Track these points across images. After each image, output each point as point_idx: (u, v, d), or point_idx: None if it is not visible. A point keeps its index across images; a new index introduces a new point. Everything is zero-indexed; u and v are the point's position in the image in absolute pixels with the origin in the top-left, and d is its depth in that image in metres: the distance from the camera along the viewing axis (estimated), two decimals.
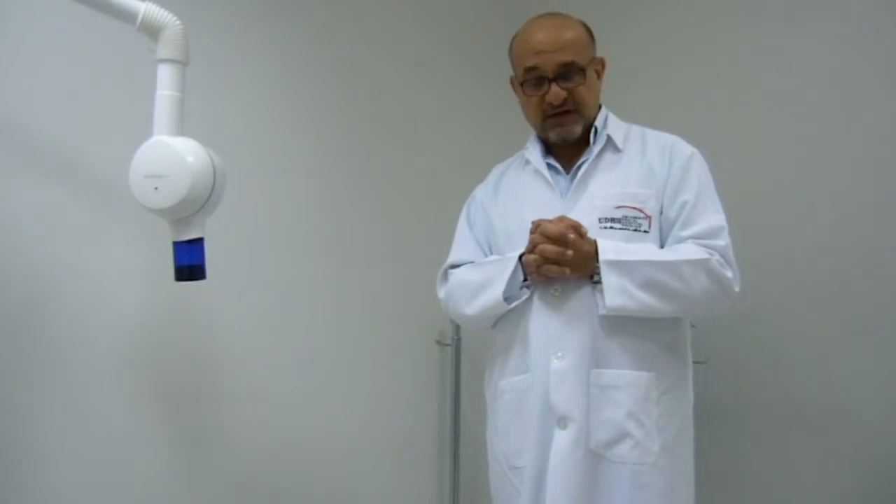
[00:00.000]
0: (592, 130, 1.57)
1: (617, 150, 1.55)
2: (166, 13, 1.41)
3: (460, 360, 2.30)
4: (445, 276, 1.67)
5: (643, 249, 1.43)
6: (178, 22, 1.42)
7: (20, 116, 1.59)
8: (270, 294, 1.97)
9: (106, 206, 1.69)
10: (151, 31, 1.41)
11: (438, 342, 2.31)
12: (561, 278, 1.43)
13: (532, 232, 1.44)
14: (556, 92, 1.49)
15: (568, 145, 1.56)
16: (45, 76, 1.62)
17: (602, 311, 1.42)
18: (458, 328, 2.30)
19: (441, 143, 2.38)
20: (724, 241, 1.46)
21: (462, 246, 1.66)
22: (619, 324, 1.42)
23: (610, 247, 1.41)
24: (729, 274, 1.44)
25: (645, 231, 1.46)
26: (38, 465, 1.57)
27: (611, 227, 1.46)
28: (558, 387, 1.41)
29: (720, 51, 2.09)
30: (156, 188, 1.37)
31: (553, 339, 1.44)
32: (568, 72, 1.49)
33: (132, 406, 1.71)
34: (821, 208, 1.89)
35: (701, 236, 1.45)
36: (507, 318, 1.52)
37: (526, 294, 1.48)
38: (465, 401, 2.30)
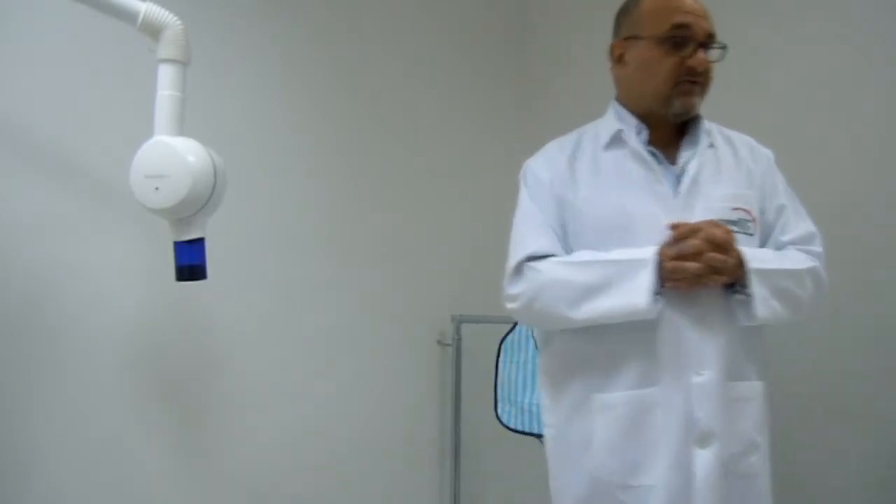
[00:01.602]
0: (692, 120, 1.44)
1: (712, 145, 1.44)
2: (167, 13, 1.41)
3: (461, 360, 2.30)
4: (520, 270, 1.40)
5: (769, 256, 1.38)
6: (178, 22, 1.42)
7: (20, 116, 1.59)
8: (271, 294, 1.97)
9: (106, 206, 1.68)
10: (152, 31, 1.41)
11: (439, 342, 2.31)
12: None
13: (681, 235, 1.29)
14: (702, 58, 1.37)
15: (663, 130, 1.42)
16: (45, 76, 1.61)
17: (746, 322, 1.33)
18: (458, 328, 2.30)
19: (441, 143, 2.38)
20: (820, 247, 1.42)
21: (537, 234, 1.41)
22: (747, 334, 1.36)
23: (750, 254, 1.32)
24: (826, 281, 1.41)
25: (751, 234, 1.39)
26: (38, 464, 1.57)
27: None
28: (702, 403, 1.30)
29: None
30: (156, 188, 1.37)
31: (690, 352, 1.31)
32: (709, 43, 1.39)
33: (132, 406, 1.71)
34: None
35: (799, 242, 1.41)
36: (612, 326, 1.34)
37: (661, 303, 1.31)
38: (466, 400, 2.30)
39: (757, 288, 1.30)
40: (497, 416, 2.18)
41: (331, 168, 2.12)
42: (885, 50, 1.82)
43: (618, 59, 1.46)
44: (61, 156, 1.65)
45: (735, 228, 1.34)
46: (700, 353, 1.31)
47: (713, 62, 1.39)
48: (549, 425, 1.46)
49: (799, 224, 1.42)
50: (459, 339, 2.30)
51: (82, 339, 1.64)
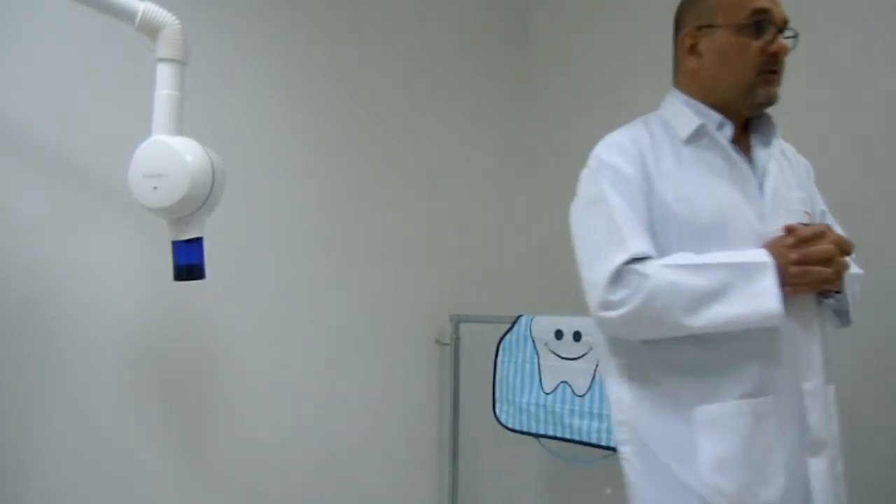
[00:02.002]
0: (758, 115, 1.38)
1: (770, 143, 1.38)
2: (165, 12, 1.42)
3: (459, 360, 2.31)
4: (621, 274, 1.25)
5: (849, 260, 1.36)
6: (176, 21, 1.43)
7: (20, 116, 1.59)
8: (270, 294, 1.97)
9: (105, 206, 1.69)
10: (150, 30, 1.41)
11: (437, 342, 2.32)
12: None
13: (805, 238, 1.23)
14: (783, 44, 1.29)
15: (736, 126, 1.35)
16: (44, 76, 1.62)
17: (840, 326, 1.36)
18: (456, 327, 2.30)
19: (440, 142, 2.39)
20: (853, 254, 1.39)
21: (634, 234, 1.27)
22: (828, 337, 1.34)
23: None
24: None
25: None
26: (38, 465, 1.58)
27: None
28: (813, 409, 1.26)
29: None
30: (155, 187, 1.37)
31: (801, 357, 1.27)
32: (785, 31, 1.32)
33: (132, 405, 1.72)
34: None
35: None
36: (721, 333, 1.24)
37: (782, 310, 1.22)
38: (464, 400, 2.30)
39: (849, 292, 1.31)
40: (495, 415, 2.18)
41: (330, 168, 2.12)
42: (885, 49, 1.81)
43: (689, 50, 1.36)
44: (60, 155, 1.66)
45: None
46: (810, 358, 1.28)
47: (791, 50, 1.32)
48: (630, 441, 1.32)
49: (837, 229, 1.40)
50: (458, 339, 2.30)
51: (82, 338, 1.65)
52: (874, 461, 1.78)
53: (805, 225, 1.27)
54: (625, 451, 1.32)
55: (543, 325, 2.11)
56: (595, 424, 1.96)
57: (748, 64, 1.30)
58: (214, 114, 1.84)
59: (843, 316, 1.36)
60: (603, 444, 1.95)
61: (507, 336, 2.18)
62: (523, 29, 2.62)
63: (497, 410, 2.18)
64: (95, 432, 1.65)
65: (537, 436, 2.10)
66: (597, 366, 1.98)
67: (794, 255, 1.22)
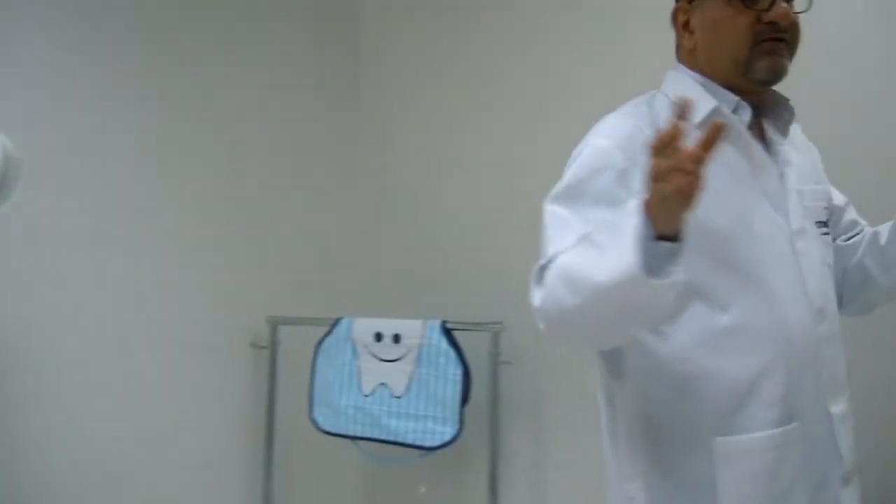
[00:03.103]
0: (773, 97, 1.20)
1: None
2: None
3: (277, 364, 2.25)
4: (538, 277, 1.05)
5: None
6: None
7: None
8: (74, 291, 1.86)
9: None
10: None
11: (253, 345, 2.24)
12: None
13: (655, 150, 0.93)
14: (785, 9, 1.12)
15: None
16: None
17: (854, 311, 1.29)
18: (274, 330, 2.24)
19: (262, 140, 2.31)
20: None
21: (568, 232, 1.05)
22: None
23: None
24: None
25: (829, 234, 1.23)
26: None
27: (826, 233, 1.20)
28: (844, 437, 1.13)
29: None
30: None
31: (827, 377, 1.13)
32: None
33: None
34: None
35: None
36: (735, 346, 1.09)
37: (670, 263, 0.95)
38: (282, 405, 2.24)
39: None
40: (312, 419, 2.16)
41: (138, 159, 2.01)
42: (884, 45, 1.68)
43: (683, 27, 1.20)
44: None
45: (827, 230, 1.20)
46: (834, 376, 1.13)
47: (799, 13, 1.15)
48: (637, 477, 1.14)
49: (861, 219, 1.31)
50: (276, 342, 2.24)
51: None
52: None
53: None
54: (630, 488, 1.14)
55: (364, 328, 2.11)
56: (412, 425, 2.00)
57: (741, 36, 1.12)
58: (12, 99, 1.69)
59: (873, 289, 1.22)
60: (418, 444, 1.99)
61: (327, 338, 2.17)
62: (352, 30, 2.60)
63: (314, 414, 2.16)
64: None
65: (354, 438, 2.11)
66: (414, 367, 2.02)
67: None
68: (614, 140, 1.12)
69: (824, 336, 1.12)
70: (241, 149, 2.26)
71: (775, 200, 1.14)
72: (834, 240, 1.24)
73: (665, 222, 0.93)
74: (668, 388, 1.11)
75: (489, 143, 2.23)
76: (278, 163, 2.35)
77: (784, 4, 1.13)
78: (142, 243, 2.01)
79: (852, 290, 1.26)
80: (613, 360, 1.16)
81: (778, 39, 1.12)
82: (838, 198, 1.30)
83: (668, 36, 1.23)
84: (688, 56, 1.21)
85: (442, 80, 2.36)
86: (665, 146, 0.91)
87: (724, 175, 1.07)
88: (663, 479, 1.12)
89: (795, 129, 1.23)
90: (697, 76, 1.18)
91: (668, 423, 1.12)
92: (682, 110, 0.92)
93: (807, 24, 1.17)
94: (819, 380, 1.11)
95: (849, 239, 1.28)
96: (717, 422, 1.08)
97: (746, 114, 1.15)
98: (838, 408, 1.12)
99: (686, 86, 1.16)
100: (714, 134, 0.91)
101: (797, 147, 1.22)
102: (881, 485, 1.39)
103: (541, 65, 2.16)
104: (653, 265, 0.92)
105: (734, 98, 1.15)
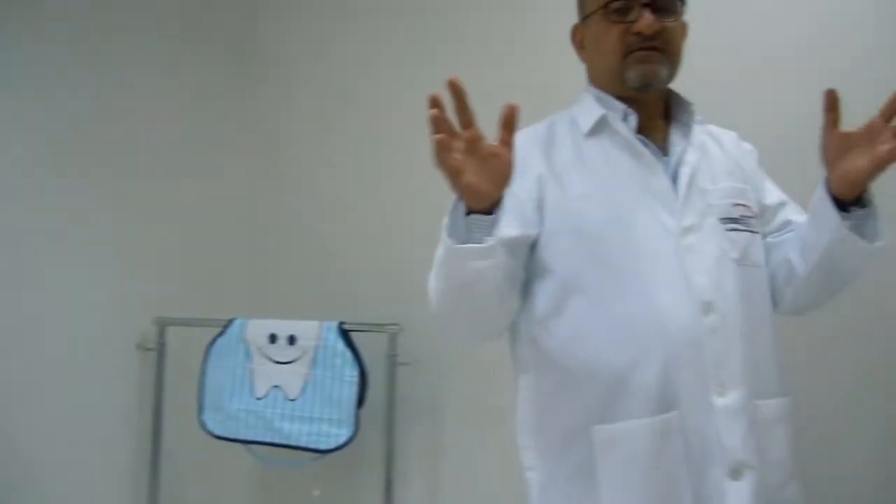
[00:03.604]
0: (676, 102, 1.28)
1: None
2: None
3: (164, 366, 2.16)
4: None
5: None
6: None
7: None
8: None
9: None
10: None
11: (140, 346, 2.15)
12: None
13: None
14: (648, 19, 1.18)
15: (649, 116, 1.25)
16: None
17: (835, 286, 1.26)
18: (162, 331, 2.15)
19: (152, 132, 2.22)
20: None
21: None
22: (772, 335, 1.22)
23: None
24: None
25: (756, 231, 1.25)
26: None
27: (735, 230, 1.21)
28: (732, 429, 1.12)
29: None
30: None
31: (711, 365, 1.13)
32: (659, 3, 1.20)
33: None
34: None
35: None
36: (612, 336, 1.14)
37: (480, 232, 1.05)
38: (171, 409, 2.16)
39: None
40: (201, 423, 2.09)
41: (27, 158, 1.90)
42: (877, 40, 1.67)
43: (580, 46, 1.31)
44: None
45: (738, 226, 1.22)
46: (724, 369, 1.14)
47: (669, 22, 1.21)
48: (533, 468, 1.21)
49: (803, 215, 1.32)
50: (163, 344, 2.15)
51: None
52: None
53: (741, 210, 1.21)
54: (529, 477, 1.21)
55: (258, 329, 2.06)
56: (306, 428, 1.97)
57: (614, 47, 1.21)
58: None
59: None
60: (312, 447, 1.96)
61: (219, 340, 2.10)
62: (249, 29, 2.54)
63: (204, 418, 2.08)
64: None
65: (246, 442, 2.06)
66: (310, 369, 1.99)
67: None
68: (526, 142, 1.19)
69: (710, 329, 1.13)
70: (129, 145, 2.17)
71: (664, 199, 1.19)
72: (764, 237, 1.28)
73: (468, 198, 1.02)
74: (553, 380, 1.18)
75: (384, 144, 2.23)
76: (168, 158, 2.26)
77: (649, 15, 1.19)
78: (24, 241, 1.90)
79: (781, 286, 1.28)
80: (515, 356, 1.25)
81: (648, 49, 1.20)
82: (772, 197, 1.32)
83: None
84: (587, 72, 1.32)
85: (336, 82, 2.35)
86: (439, 122, 0.99)
87: (605, 177, 1.20)
88: (553, 467, 1.18)
89: (706, 130, 1.29)
90: (595, 91, 1.28)
91: (554, 414, 1.18)
92: (508, 115, 1.01)
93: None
94: (703, 372, 1.12)
95: (780, 237, 1.30)
96: (595, 411, 1.13)
97: (633, 120, 1.23)
98: (726, 400, 1.12)
99: (584, 103, 1.28)
100: (509, 116, 1.01)
101: (707, 148, 1.27)
102: (825, 485, 1.40)
103: (435, 70, 2.16)
104: (477, 238, 1.02)
105: (621, 106, 1.24)
